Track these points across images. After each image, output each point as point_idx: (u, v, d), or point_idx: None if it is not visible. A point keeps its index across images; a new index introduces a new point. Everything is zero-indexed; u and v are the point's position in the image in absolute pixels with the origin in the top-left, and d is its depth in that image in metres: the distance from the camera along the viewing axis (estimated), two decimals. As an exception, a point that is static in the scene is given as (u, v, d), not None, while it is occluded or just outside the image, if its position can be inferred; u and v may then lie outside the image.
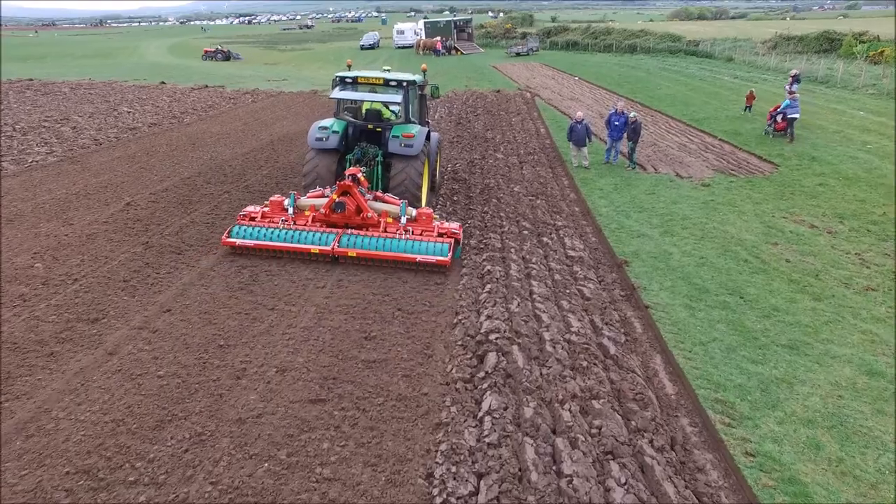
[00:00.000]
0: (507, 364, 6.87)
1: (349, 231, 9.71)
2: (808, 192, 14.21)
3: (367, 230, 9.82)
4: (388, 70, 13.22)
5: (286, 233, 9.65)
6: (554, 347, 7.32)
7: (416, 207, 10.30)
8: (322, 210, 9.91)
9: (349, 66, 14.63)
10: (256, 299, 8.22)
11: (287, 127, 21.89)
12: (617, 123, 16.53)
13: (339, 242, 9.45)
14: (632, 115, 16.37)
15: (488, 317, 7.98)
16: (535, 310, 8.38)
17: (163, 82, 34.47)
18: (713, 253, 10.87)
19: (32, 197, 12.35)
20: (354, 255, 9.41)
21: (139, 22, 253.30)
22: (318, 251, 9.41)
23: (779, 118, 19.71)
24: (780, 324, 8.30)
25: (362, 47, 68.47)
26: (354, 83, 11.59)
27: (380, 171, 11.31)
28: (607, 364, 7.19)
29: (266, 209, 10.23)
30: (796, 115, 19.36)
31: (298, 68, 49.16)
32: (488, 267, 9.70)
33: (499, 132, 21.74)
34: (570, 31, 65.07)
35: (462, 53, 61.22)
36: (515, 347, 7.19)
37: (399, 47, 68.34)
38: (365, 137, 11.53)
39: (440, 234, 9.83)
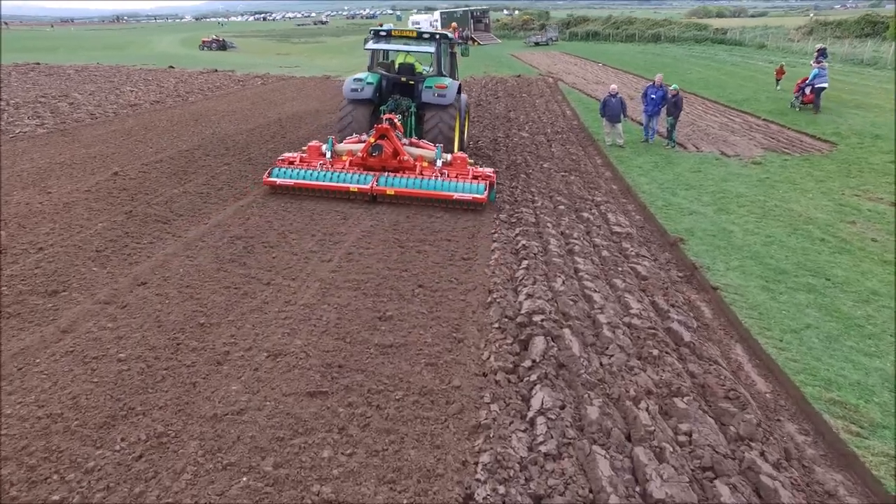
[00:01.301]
0: (559, 351, 5.45)
1: (386, 173, 9.80)
2: (878, 170, 12.62)
3: (404, 173, 9.88)
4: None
5: (326, 173, 9.82)
6: (613, 332, 5.89)
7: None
8: (359, 154, 10.01)
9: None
10: (249, 272, 6.87)
11: (297, 107, 20.60)
12: (654, 97, 15.03)
13: (377, 182, 9.56)
14: (672, 87, 14.85)
15: (529, 295, 6.57)
16: (583, 289, 6.96)
17: (171, 66, 33.39)
18: (781, 231, 9.37)
19: (10, 165, 11.10)
20: (393, 192, 9.52)
21: (155, 19, 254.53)
22: (357, 189, 9.56)
23: (807, 90, 19.41)
24: (885, 309, 6.79)
25: (377, 39, 67.07)
26: (388, 36, 11.88)
27: (413, 122, 11.58)
28: (682, 353, 5.74)
29: (304, 154, 10.39)
30: (825, 85, 19.16)
31: (311, 58, 47.94)
32: (523, 242, 8.28)
33: (522, 113, 20.28)
34: (590, 22, 63.03)
35: (479, 44, 59.67)
36: (567, 331, 5.77)
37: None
38: (398, 90, 11.79)
39: (475, 178, 9.87)
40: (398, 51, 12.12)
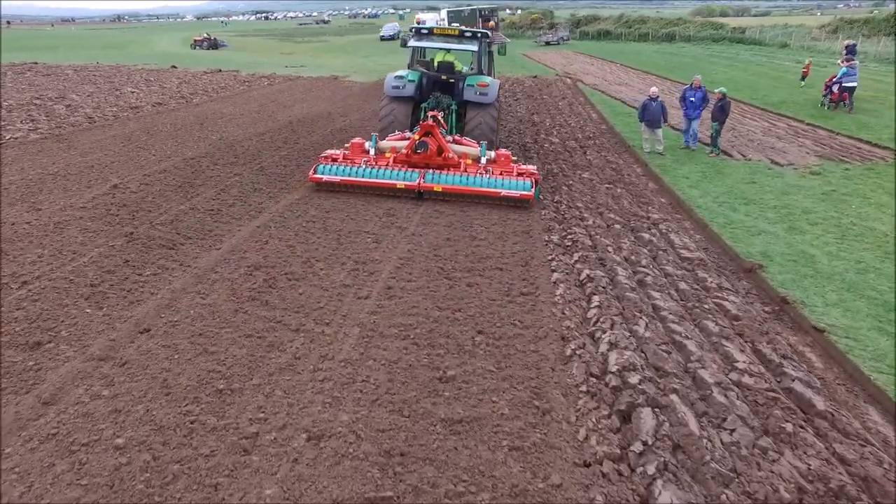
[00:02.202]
0: (671, 427, 4.33)
1: (431, 170, 9.71)
2: (956, 182, 11.48)
3: (449, 170, 9.81)
4: None
5: (371, 170, 9.70)
6: (726, 396, 4.77)
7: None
8: (403, 151, 9.95)
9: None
10: (274, 314, 5.74)
11: (307, 109, 19.47)
12: (692, 100, 13.89)
13: (423, 179, 9.48)
14: (719, 90, 13.70)
15: (612, 345, 5.45)
16: (670, 333, 5.83)
17: (174, 66, 32.27)
18: (871, 256, 8.22)
19: (-2, 177, 9.99)
20: (440, 189, 9.44)
21: (158, 18, 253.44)
22: (403, 186, 9.47)
23: (835, 88, 18.77)
24: None
25: (382, 38, 66.00)
26: (430, 34, 11.92)
27: (454, 120, 11.57)
28: (819, 427, 4.60)
29: (347, 151, 10.34)
30: (853, 84, 18.48)
31: (316, 58, 46.78)
32: (587, 271, 7.15)
33: (546, 116, 19.15)
34: (601, 21, 61.75)
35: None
36: (674, 397, 4.64)
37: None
38: (438, 88, 11.74)
39: (519, 175, 9.76)
40: (441, 49, 11.98)
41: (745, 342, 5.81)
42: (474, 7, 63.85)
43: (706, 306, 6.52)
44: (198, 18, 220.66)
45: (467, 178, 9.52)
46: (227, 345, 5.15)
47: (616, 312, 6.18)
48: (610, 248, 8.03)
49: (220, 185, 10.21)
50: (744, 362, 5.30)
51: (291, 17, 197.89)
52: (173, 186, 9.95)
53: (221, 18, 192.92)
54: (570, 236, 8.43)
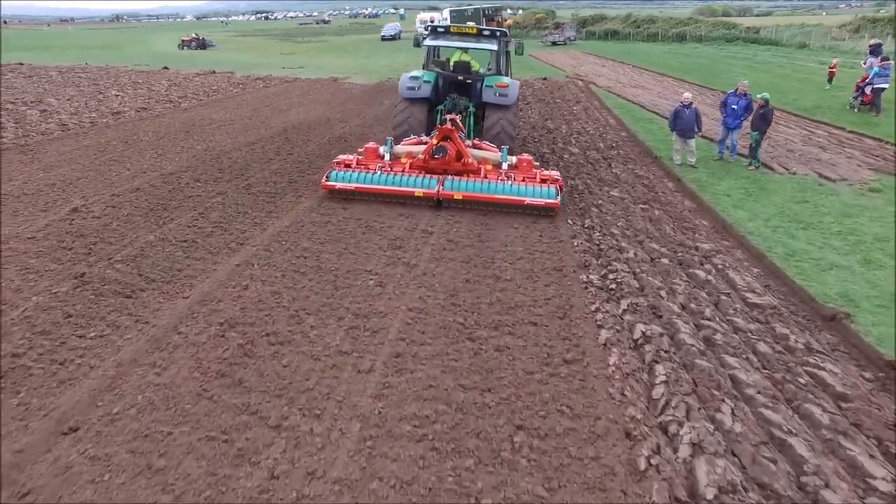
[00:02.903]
0: None
1: (450, 176, 9.20)
2: None
3: (468, 176, 9.32)
4: None
5: (387, 176, 9.18)
6: (873, 540, 3.39)
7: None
8: (420, 156, 9.46)
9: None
10: (249, 400, 4.36)
11: (304, 114, 18.10)
12: (735, 107, 12.52)
13: (442, 186, 8.97)
14: (761, 96, 12.32)
15: (695, 447, 4.09)
16: (766, 426, 4.45)
17: (165, 67, 30.89)
18: (977, 299, 6.84)
19: (-60, 198, 8.62)
20: (460, 197, 8.94)
21: (157, 18, 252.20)
22: (422, 194, 8.97)
23: (867, 90, 18.18)
24: None
25: (383, 38, 64.61)
26: (447, 33, 11.49)
27: (471, 122, 11.09)
28: None
29: (360, 157, 9.79)
30: (884, 85, 17.92)
31: (315, 58, 45.40)
32: (641, 327, 5.77)
33: (562, 122, 17.77)
34: (608, 20, 60.18)
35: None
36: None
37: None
38: (454, 89, 11.28)
39: (542, 181, 9.28)
40: (458, 48, 11.48)
41: (870, 440, 4.42)
42: (477, 6, 62.52)
43: (801, 380, 5.13)
44: (197, 18, 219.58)
45: (489, 185, 9.00)
46: (181, 455, 3.77)
47: (688, 390, 4.81)
48: (662, 292, 6.65)
49: (200, 207, 8.83)
50: (884, 479, 3.92)
51: (292, 17, 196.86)
52: (144, 210, 8.57)
53: (221, 18, 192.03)
54: (611, 275, 7.05)
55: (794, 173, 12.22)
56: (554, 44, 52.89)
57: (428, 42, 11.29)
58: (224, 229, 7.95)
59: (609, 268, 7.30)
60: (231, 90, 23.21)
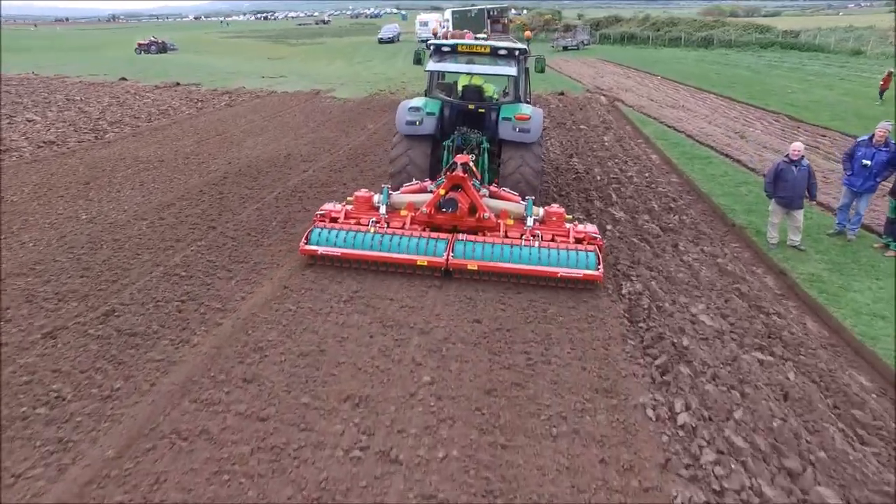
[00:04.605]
0: None
1: (462, 236, 7.53)
2: None
3: (485, 235, 7.69)
4: None
5: (383, 238, 7.44)
6: None
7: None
8: (424, 209, 7.73)
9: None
10: None
11: (260, 148, 14.16)
12: (869, 162, 8.55)
13: (452, 251, 7.32)
14: (906, 143, 8.32)
15: None
16: None
17: (123, 78, 26.94)
18: None
19: None
20: (475, 268, 7.29)
21: (157, 18, 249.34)
22: (426, 263, 7.31)
23: None
24: None
25: (380, 41, 60.68)
26: (454, 52, 9.23)
27: (486, 162, 9.02)
28: None
29: (350, 208, 8.03)
30: None
31: (305, 63, 41.49)
32: None
33: (592, 160, 13.76)
34: (623, 22, 55.65)
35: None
36: None
37: (423, 41, 60.25)
38: (463, 120, 9.36)
39: (577, 241, 7.51)
40: (468, 74, 9.82)
41: None
42: (482, 7, 58.47)
43: None
44: (196, 18, 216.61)
45: (510, 250, 7.31)
46: None
47: None
48: None
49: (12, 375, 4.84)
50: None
51: (292, 17, 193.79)
52: None
53: (221, 19, 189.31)
54: None
55: (959, 263, 8.17)
56: (565, 48, 48.84)
57: (431, 67, 9.28)
58: (43, 437, 3.96)
59: None
60: (185, 110, 19.26)
